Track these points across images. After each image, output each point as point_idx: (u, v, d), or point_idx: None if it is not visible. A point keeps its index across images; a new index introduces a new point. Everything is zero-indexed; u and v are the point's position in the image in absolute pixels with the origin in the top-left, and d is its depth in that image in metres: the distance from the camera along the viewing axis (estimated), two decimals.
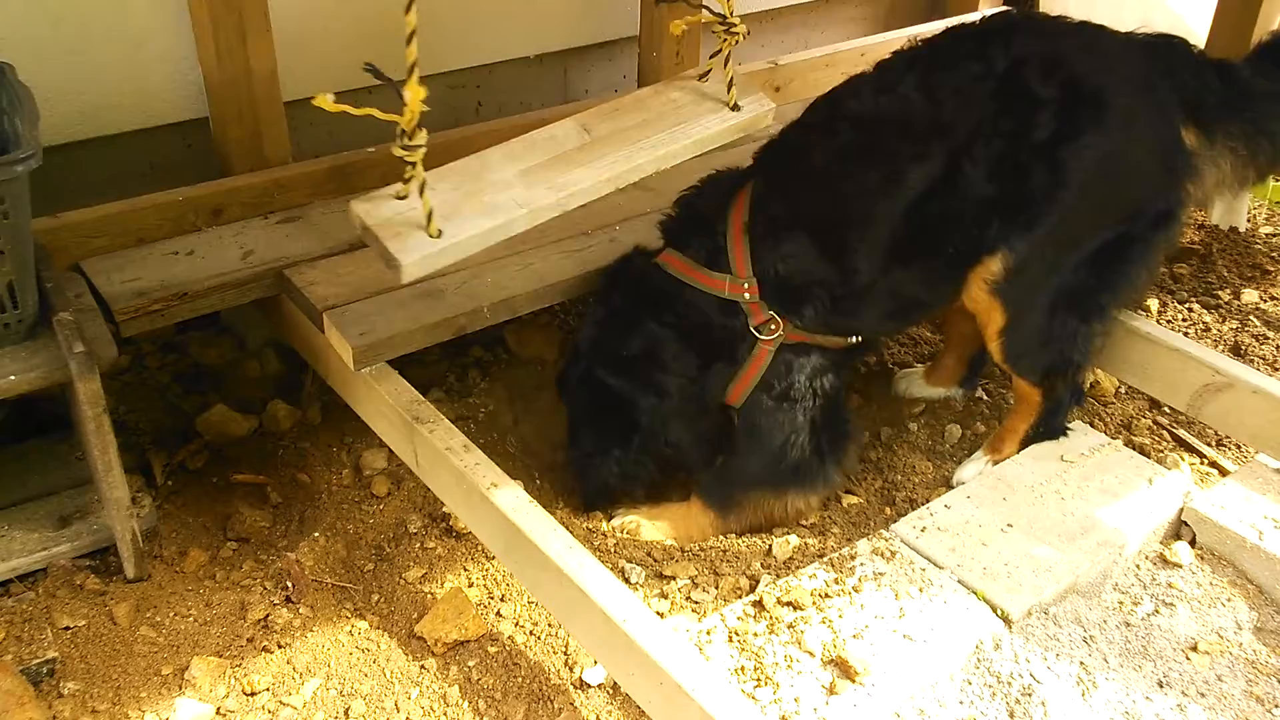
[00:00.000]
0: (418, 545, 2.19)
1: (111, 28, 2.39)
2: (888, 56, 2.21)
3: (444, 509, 2.23)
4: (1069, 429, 2.39)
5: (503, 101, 3.09)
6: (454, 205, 1.79)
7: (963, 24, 2.25)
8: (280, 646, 1.97)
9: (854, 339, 2.28)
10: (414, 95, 1.60)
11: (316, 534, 2.21)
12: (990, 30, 2.18)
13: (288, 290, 2.29)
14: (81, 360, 1.87)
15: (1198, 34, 3.36)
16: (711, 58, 2.08)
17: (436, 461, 2.01)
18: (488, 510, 1.89)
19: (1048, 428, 2.36)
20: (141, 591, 2.06)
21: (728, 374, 2.22)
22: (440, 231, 1.75)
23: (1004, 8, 3.70)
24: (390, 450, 2.27)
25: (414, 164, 1.70)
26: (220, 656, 1.95)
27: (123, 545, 2.04)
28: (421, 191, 1.72)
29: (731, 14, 2.03)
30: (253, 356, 2.64)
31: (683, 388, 2.23)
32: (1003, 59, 2.10)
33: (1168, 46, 2.21)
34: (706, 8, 2.02)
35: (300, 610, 2.05)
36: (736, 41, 2.04)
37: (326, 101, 1.62)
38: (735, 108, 2.06)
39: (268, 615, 2.03)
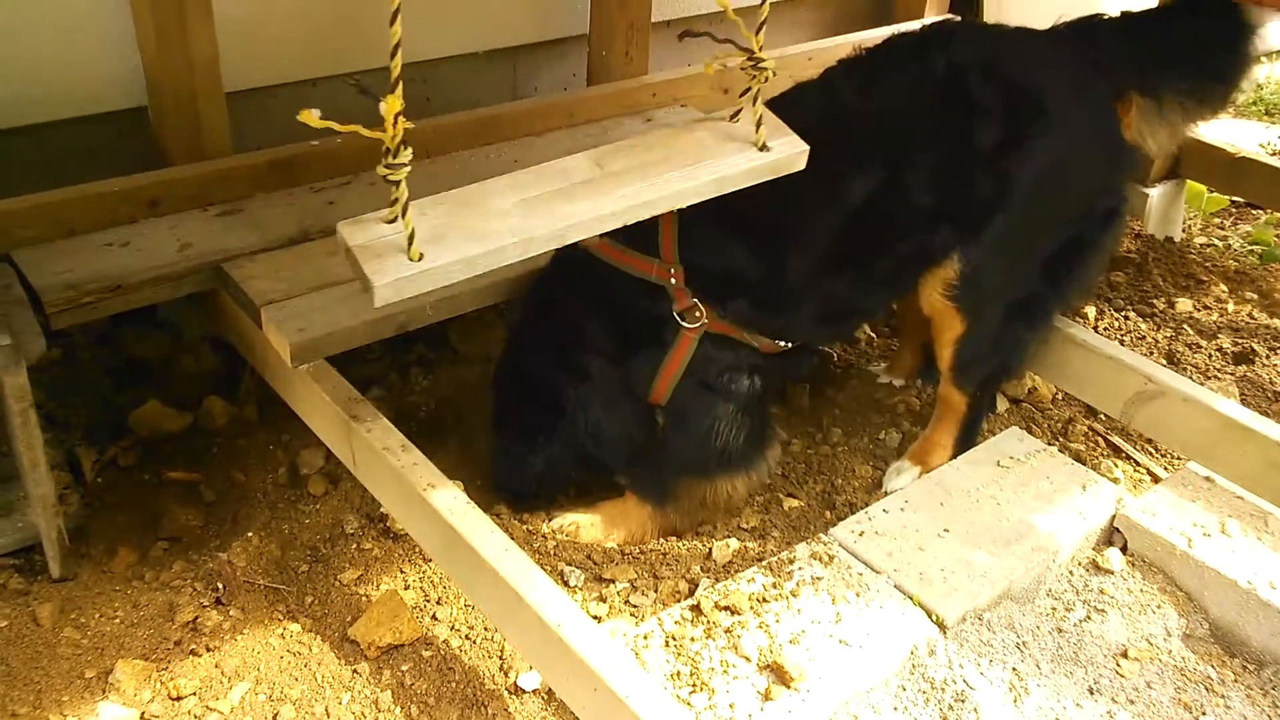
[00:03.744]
0: (354, 546, 2.16)
1: (45, 11, 2.33)
2: (833, 64, 2.22)
3: (382, 509, 2.20)
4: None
5: (450, 97, 3.06)
6: (442, 230, 1.73)
7: (904, 32, 2.27)
8: (209, 649, 1.94)
9: (785, 343, 2.27)
10: (389, 108, 1.53)
11: (250, 534, 2.17)
12: (930, 37, 2.20)
13: (225, 285, 2.25)
14: (7, 353, 1.82)
15: None
16: (741, 96, 1.95)
17: (374, 461, 1.98)
18: (424, 511, 1.87)
19: (965, 438, 2.39)
20: (66, 592, 2.01)
21: (651, 360, 2.21)
22: (421, 256, 1.69)
23: (946, 15, 3.76)
24: (328, 449, 2.23)
25: (397, 183, 1.63)
26: (146, 659, 1.91)
27: (48, 544, 1.99)
28: (404, 212, 1.67)
29: (760, 49, 1.89)
30: (189, 351, 2.59)
31: (603, 370, 2.23)
32: (942, 65, 2.12)
33: (1091, 30, 2.24)
34: (732, 42, 1.88)
35: (231, 612, 2.01)
36: (766, 79, 1.90)
37: (311, 118, 1.53)
38: (764, 148, 1.95)
39: (197, 617, 1.99)
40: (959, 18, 3.75)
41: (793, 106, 2.15)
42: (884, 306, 2.29)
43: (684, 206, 1.92)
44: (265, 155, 2.51)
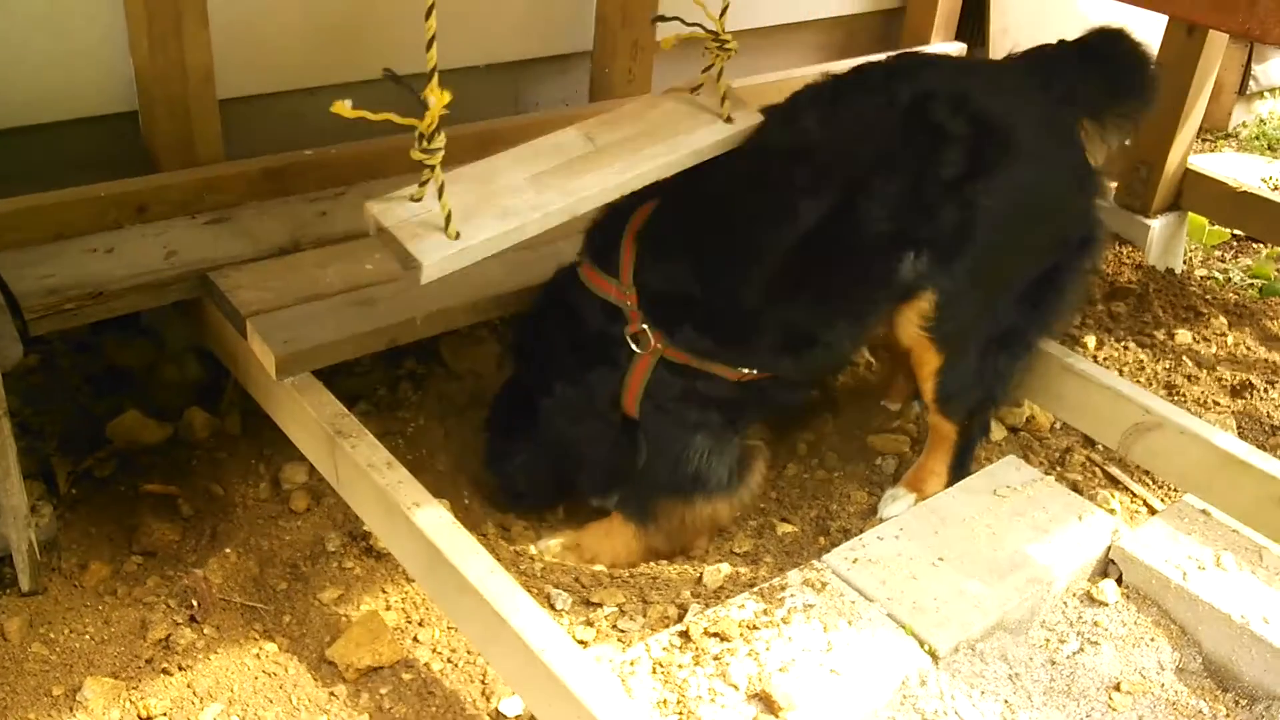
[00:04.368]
0: (335, 565, 2.12)
1: (38, 13, 2.30)
2: (800, 89, 2.22)
3: (365, 527, 2.15)
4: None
5: (452, 110, 3.03)
6: (469, 208, 1.80)
7: (872, 61, 2.28)
8: (181, 668, 1.89)
9: (749, 370, 2.22)
10: (438, 100, 1.64)
11: (228, 550, 2.12)
12: (896, 67, 2.20)
13: (211, 294, 2.21)
14: None
15: None
16: (704, 72, 2.16)
17: (357, 478, 1.94)
18: (408, 530, 1.83)
19: (959, 465, 2.36)
20: (36, 606, 1.96)
21: (611, 379, 2.21)
22: (459, 234, 1.75)
23: (952, 42, 3.76)
24: (311, 464, 2.19)
25: (433, 166, 1.72)
26: (116, 677, 1.86)
27: (18, 556, 1.94)
28: (440, 193, 1.74)
29: (724, 31, 2.11)
30: (172, 360, 2.54)
31: (564, 388, 2.24)
32: (907, 94, 2.11)
33: (1051, 61, 2.24)
34: (700, 25, 2.08)
35: (205, 630, 1.96)
36: (729, 57, 2.13)
37: (344, 108, 1.63)
38: (728, 120, 2.12)
39: (170, 635, 1.94)
40: (963, 44, 3.78)
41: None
42: (853, 339, 2.24)
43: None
44: (258, 163, 2.48)
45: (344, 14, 2.68)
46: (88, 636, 1.93)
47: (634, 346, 2.16)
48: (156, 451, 2.35)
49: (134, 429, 2.34)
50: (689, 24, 2.07)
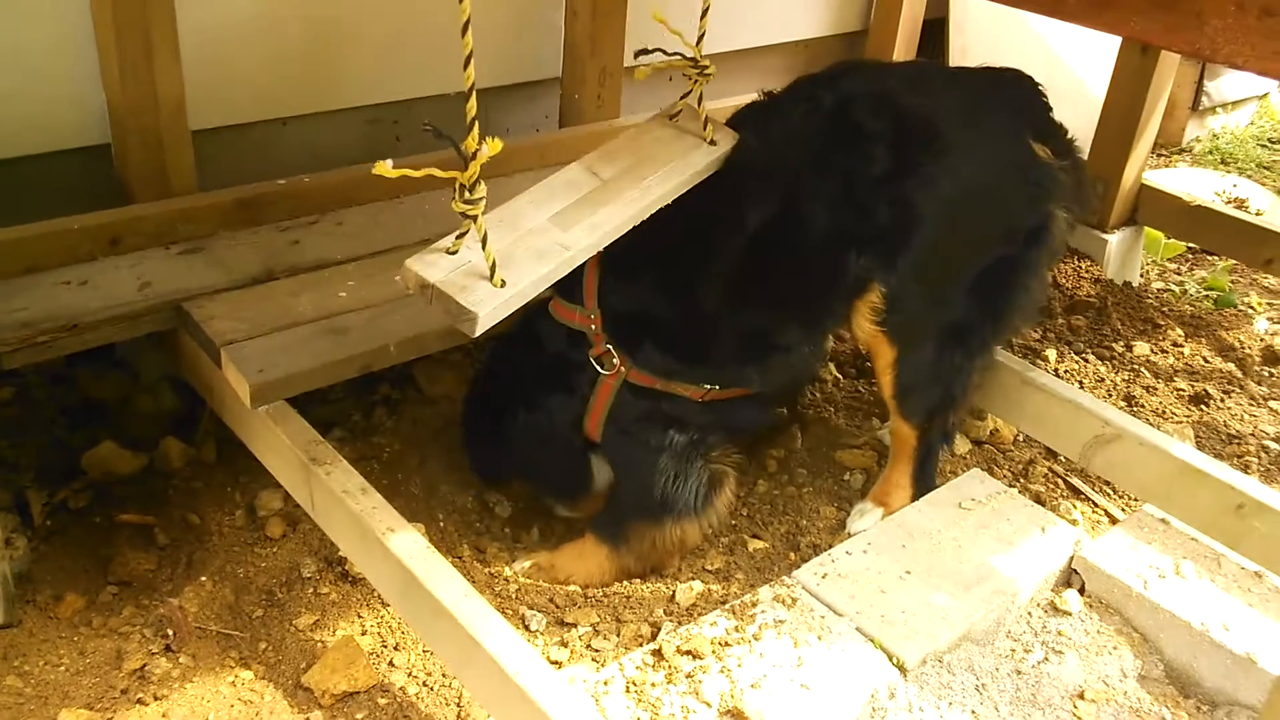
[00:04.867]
0: (310, 591, 2.13)
1: (7, 47, 2.31)
2: (741, 108, 2.33)
3: (340, 553, 2.17)
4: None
5: (422, 137, 3.06)
6: (504, 254, 1.84)
7: (806, 75, 2.34)
8: (157, 698, 1.89)
9: (708, 386, 2.26)
10: (490, 148, 1.68)
11: (204, 578, 2.13)
12: (821, 75, 2.28)
13: (185, 324, 2.23)
14: None
15: (1095, 94, 3.49)
16: (683, 98, 2.26)
17: (332, 504, 1.96)
18: (383, 555, 1.85)
19: (922, 475, 2.40)
20: (10, 638, 1.96)
21: (571, 406, 2.25)
22: (503, 281, 1.80)
23: (912, 59, 3.82)
24: (286, 491, 2.20)
25: (474, 217, 1.75)
26: (91, 709, 1.86)
27: None
28: (484, 244, 1.78)
29: (701, 56, 2.21)
30: (147, 391, 2.55)
31: (526, 411, 2.29)
32: (830, 98, 2.19)
33: (1015, 77, 2.31)
34: (679, 53, 2.18)
35: (180, 659, 1.97)
36: (708, 81, 2.22)
37: (385, 169, 1.67)
38: (712, 142, 2.22)
39: (145, 665, 1.95)
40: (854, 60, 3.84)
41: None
42: (810, 342, 2.27)
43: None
44: (230, 194, 2.50)
45: (314, 45, 2.71)
46: (63, 668, 1.93)
47: (598, 368, 2.20)
48: (132, 482, 2.36)
49: (109, 460, 2.34)
50: (669, 54, 2.15)
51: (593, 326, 2.20)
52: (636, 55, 2.17)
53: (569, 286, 2.20)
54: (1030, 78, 2.33)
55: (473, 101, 1.66)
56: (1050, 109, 2.31)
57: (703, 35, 2.21)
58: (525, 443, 2.31)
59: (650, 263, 2.18)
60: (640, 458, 2.25)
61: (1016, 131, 2.22)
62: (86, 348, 2.17)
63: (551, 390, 2.27)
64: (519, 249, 1.88)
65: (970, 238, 2.21)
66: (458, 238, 1.81)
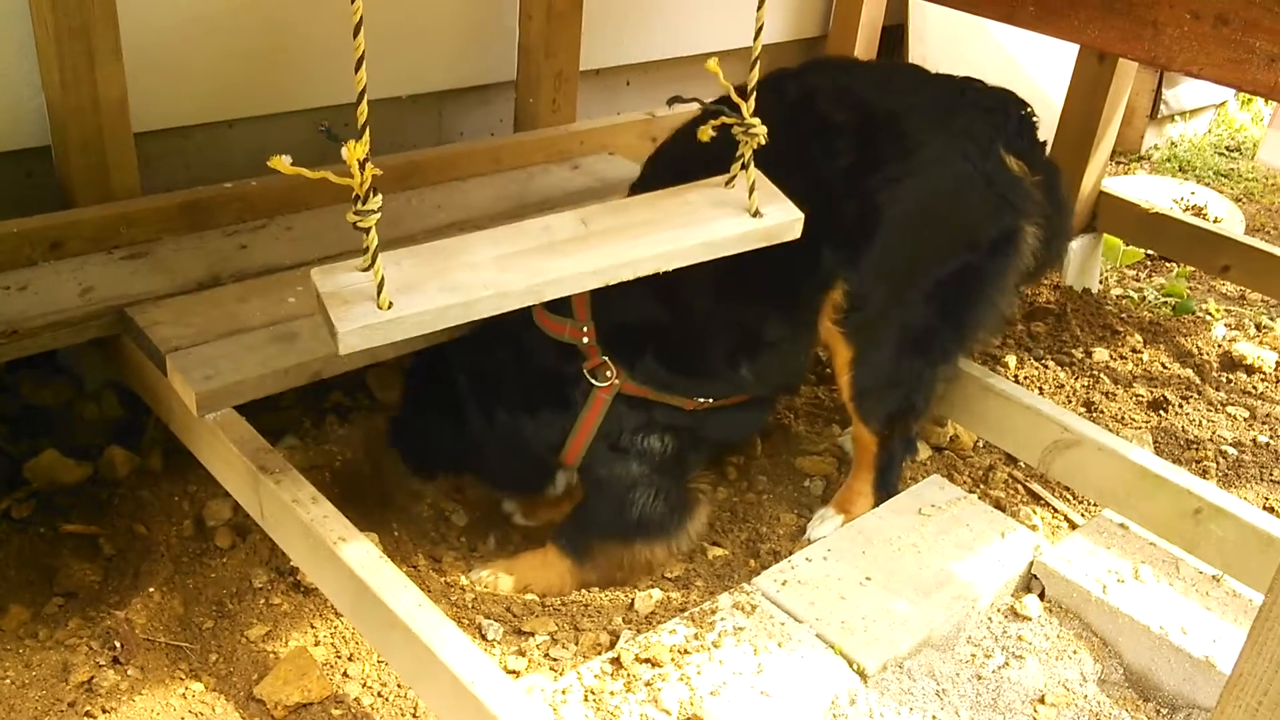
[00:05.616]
0: (262, 601, 2.08)
1: None
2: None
3: (292, 563, 2.12)
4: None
5: (374, 140, 3.02)
6: (415, 280, 1.71)
7: (774, 70, 2.28)
8: (104, 711, 1.84)
9: (701, 399, 2.25)
10: (350, 154, 1.51)
11: (152, 589, 2.08)
12: (788, 70, 2.25)
13: (129, 330, 2.18)
14: None
15: (1054, 101, 3.52)
16: (734, 161, 1.90)
17: (282, 514, 1.91)
18: (335, 565, 1.81)
19: (884, 483, 2.39)
20: None
21: (560, 422, 2.21)
22: (391, 304, 1.67)
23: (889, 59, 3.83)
24: (236, 501, 2.16)
25: (367, 230, 1.61)
26: None
27: None
28: (374, 260, 1.65)
29: (750, 115, 1.83)
30: (91, 399, 2.49)
31: (505, 424, 2.24)
32: (794, 91, 2.17)
33: (999, 92, 2.28)
34: (724, 110, 1.83)
35: (129, 672, 1.92)
36: (758, 144, 1.84)
37: (282, 164, 1.53)
38: (756, 214, 1.89)
39: (92, 677, 1.89)
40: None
41: (668, 148, 2.26)
42: (795, 338, 2.26)
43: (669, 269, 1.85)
44: (175, 197, 2.45)
45: (261, 46, 2.66)
46: (8, 681, 1.87)
47: (593, 381, 2.17)
48: (76, 491, 2.30)
49: (53, 469, 2.28)
50: (705, 105, 1.84)
51: (585, 340, 2.16)
52: (670, 103, 1.91)
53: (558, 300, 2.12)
54: (1017, 97, 2.30)
55: (364, 106, 1.54)
56: (1034, 126, 2.27)
57: (753, 91, 1.82)
58: (492, 444, 2.26)
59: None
60: (621, 473, 2.21)
61: (988, 139, 2.18)
62: (26, 354, 2.11)
63: (537, 403, 2.22)
64: (435, 279, 1.73)
65: (932, 241, 2.19)
66: (365, 251, 1.67)
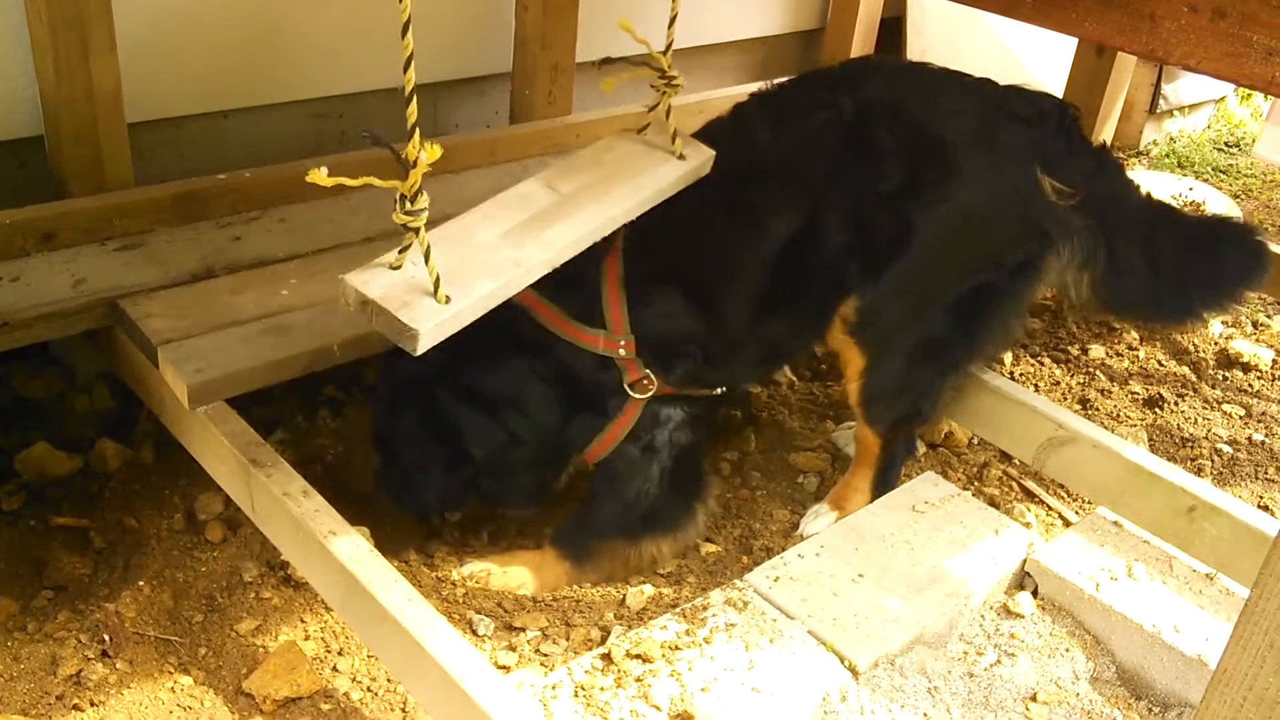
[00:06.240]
0: (252, 595, 2.08)
1: None
2: (743, 101, 2.24)
3: (282, 557, 2.12)
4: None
5: (366, 133, 3.02)
6: (451, 270, 1.76)
7: (819, 69, 2.31)
8: (93, 704, 1.84)
9: (720, 390, 2.27)
10: (428, 154, 1.58)
11: (141, 582, 2.07)
12: (840, 76, 2.24)
13: (121, 322, 2.17)
14: None
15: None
16: (650, 110, 2.17)
17: (273, 507, 1.91)
18: (325, 559, 1.81)
19: (882, 484, 2.38)
20: None
21: (593, 427, 2.18)
22: (448, 298, 1.72)
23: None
24: (227, 494, 2.15)
25: (416, 230, 1.67)
26: (26, 715, 1.80)
27: None
28: (427, 258, 1.69)
29: (669, 68, 2.12)
30: (82, 390, 2.49)
31: (541, 436, 2.16)
32: (850, 107, 2.15)
33: (1042, 104, 2.25)
34: (645, 63, 2.09)
35: (118, 665, 1.91)
36: (676, 93, 2.13)
37: (320, 177, 1.57)
38: (681, 157, 2.14)
39: (81, 670, 1.89)
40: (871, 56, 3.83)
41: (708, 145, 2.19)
42: (808, 347, 2.31)
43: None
44: (169, 188, 2.44)
45: (256, 37, 2.65)
46: None
47: (630, 393, 2.15)
48: (67, 484, 2.30)
49: (43, 461, 2.28)
50: (634, 61, 2.07)
51: (622, 352, 2.12)
52: (600, 64, 2.07)
53: (582, 308, 2.12)
54: (1059, 101, 2.27)
55: (413, 106, 1.57)
56: (1076, 128, 2.25)
57: (670, 45, 2.13)
58: (506, 463, 2.17)
59: (680, 278, 2.14)
60: (639, 469, 2.19)
61: (1026, 160, 2.17)
62: (18, 346, 2.11)
63: (570, 412, 2.16)
64: (468, 265, 1.80)
65: (959, 261, 2.20)
66: (400, 252, 1.73)
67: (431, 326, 1.68)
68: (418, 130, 1.58)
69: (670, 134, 2.14)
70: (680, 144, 2.13)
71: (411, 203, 1.63)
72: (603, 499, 2.24)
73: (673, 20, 2.10)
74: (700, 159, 2.15)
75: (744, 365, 2.25)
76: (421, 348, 1.69)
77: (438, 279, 1.71)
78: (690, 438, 2.24)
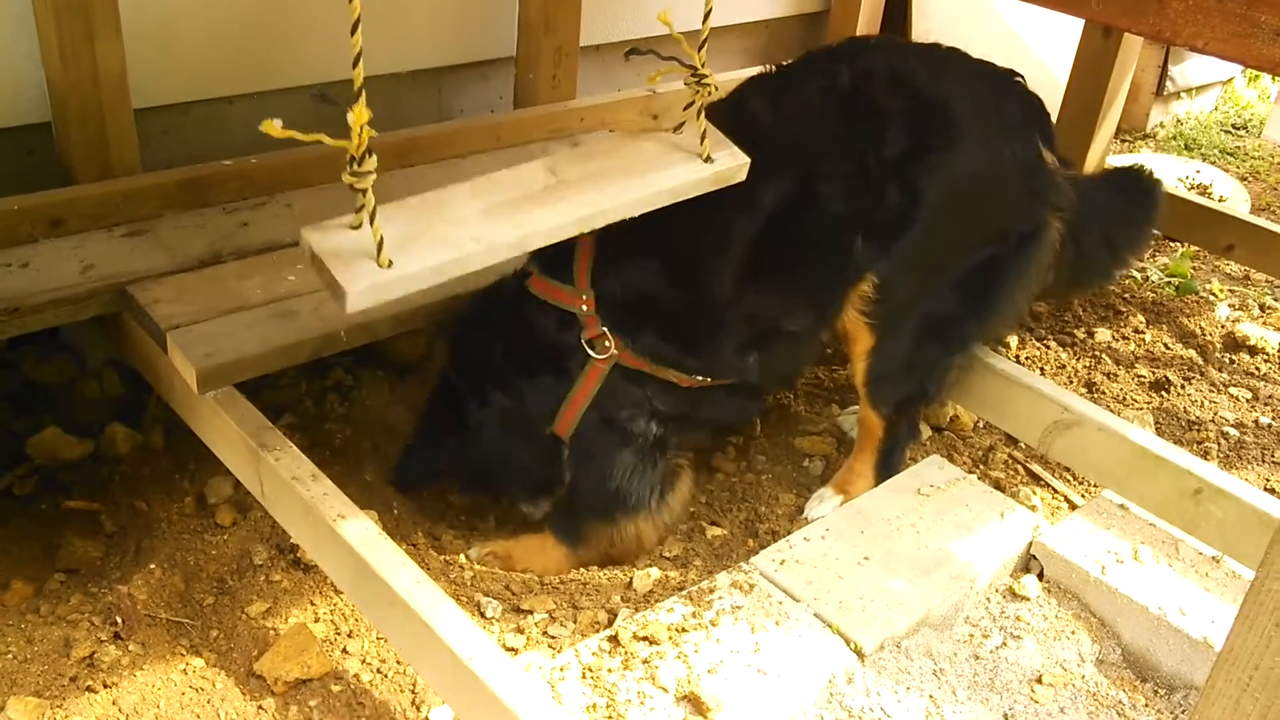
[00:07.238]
0: (262, 578, 2.09)
1: None
2: (745, 80, 2.23)
3: (292, 540, 2.13)
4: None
5: (374, 117, 3.01)
6: (408, 237, 1.74)
7: (818, 48, 2.29)
8: (106, 686, 1.86)
9: (703, 379, 2.24)
10: (357, 117, 1.55)
11: (153, 565, 2.09)
12: (839, 50, 2.23)
13: (130, 308, 2.18)
14: None
15: (1058, 77, 3.49)
16: (685, 110, 2.03)
17: (283, 491, 1.92)
18: (334, 542, 1.82)
19: (886, 465, 2.39)
20: None
21: (555, 391, 2.17)
22: (391, 262, 1.69)
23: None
24: (236, 478, 2.16)
25: (364, 191, 1.64)
26: (40, 696, 1.82)
27: None
28: (372, 219, 1.67)
29: (703, 66, 1.97)
30: (92, 376, 2.50)
31: (501, 399, 2.20)
32: (847, 75, 2.14)
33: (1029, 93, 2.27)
34: (677, 59, 1.95)
35: (130, 647, 1.93)
36: (709, 94, 1.98)
37: (273, 128, 1.56)
38: (708, 160, 2.01)
39: (94, 652, 1.90)
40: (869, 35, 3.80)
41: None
42: (812, 333, 2.26)
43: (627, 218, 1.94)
44: (175, 174, 2.44)
45: (262, 21, 2.64)
46: (10, 656, 1.89)
47: (590, 352, 2.14)
48: (78, 468, 2.31)
49: (54, 445, 2.29)
50: (664, 58, 1.94)
51: (583, 307, 2.12)
52: (627, 55, 1.99)
53: (556, 263, 2.12)
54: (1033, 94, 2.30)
55: (359, 68, 1.58)
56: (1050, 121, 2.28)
57: (704, 42, 1.96)
58: (494, 435, 2.22)
59: (653, 242, 2.09)
60: (604, 447, 2.20)
61: (1029, 131, 2.19)
62: (28, 331, 2.11)
63: (534, 371, 2.18)
64: (426, 234, 1.77)
65: (966, 230, 2.19)
66: (358, 211, 1.71)
67: (364, 288, 1.65)
68: (364, 93, 1.58)
69: (700, 134, 2.01)
70: (709, 146, 2.01)
71: (360, 164, 1.61)
72: (580, 478, 2.25)
73: (707, 15, 1.96)
74: (730, 164, 2.03)
75: (728, 351, 2.19)
76: (351, 308, 1.66)
77: (381, 241, 1.68)
78: (656, 423, 2.21)
